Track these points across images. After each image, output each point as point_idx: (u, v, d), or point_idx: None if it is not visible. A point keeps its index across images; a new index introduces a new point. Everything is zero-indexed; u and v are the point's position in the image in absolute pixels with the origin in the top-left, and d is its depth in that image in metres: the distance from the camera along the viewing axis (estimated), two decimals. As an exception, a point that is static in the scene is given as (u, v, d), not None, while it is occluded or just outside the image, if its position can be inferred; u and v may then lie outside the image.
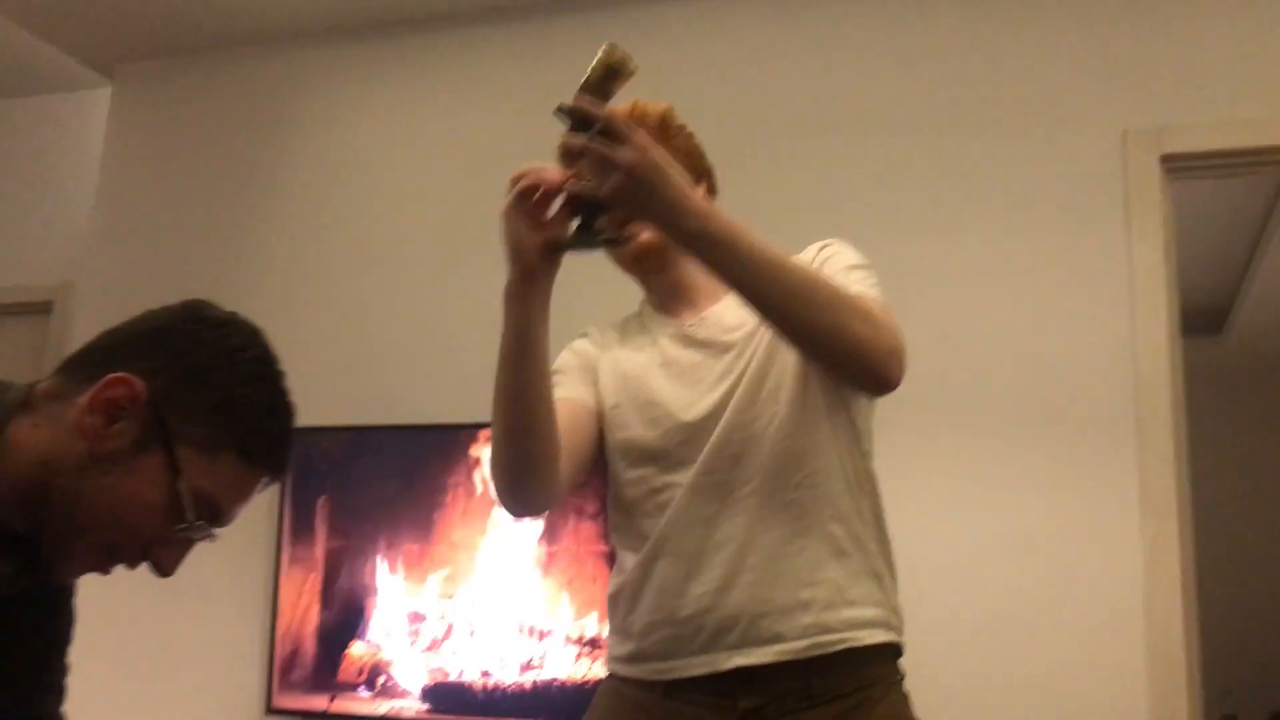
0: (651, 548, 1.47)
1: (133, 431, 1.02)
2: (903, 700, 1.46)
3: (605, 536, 2.72)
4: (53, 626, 1.21)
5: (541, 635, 2.85)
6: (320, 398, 3.23)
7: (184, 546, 1.07)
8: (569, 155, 1.27)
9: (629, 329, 1.64)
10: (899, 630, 1.48)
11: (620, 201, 1.26)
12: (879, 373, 1.35)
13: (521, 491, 1.43)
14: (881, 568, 1.48)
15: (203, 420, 1.04)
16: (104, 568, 1.05)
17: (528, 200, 1.30)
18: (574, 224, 1.32)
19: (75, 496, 1.01)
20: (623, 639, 1.51)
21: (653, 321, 1.61)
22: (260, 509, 3.19)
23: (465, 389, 3.13)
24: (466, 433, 3.00)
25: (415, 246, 3.33)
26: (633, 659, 1.48)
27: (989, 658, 2.63)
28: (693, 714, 1.41)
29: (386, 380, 3.23)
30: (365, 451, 3.10)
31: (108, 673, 3.28)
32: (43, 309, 4.00)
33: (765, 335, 1.47)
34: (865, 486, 1.50)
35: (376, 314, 3.30)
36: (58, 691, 1.23)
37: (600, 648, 2.79)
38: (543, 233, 1.32)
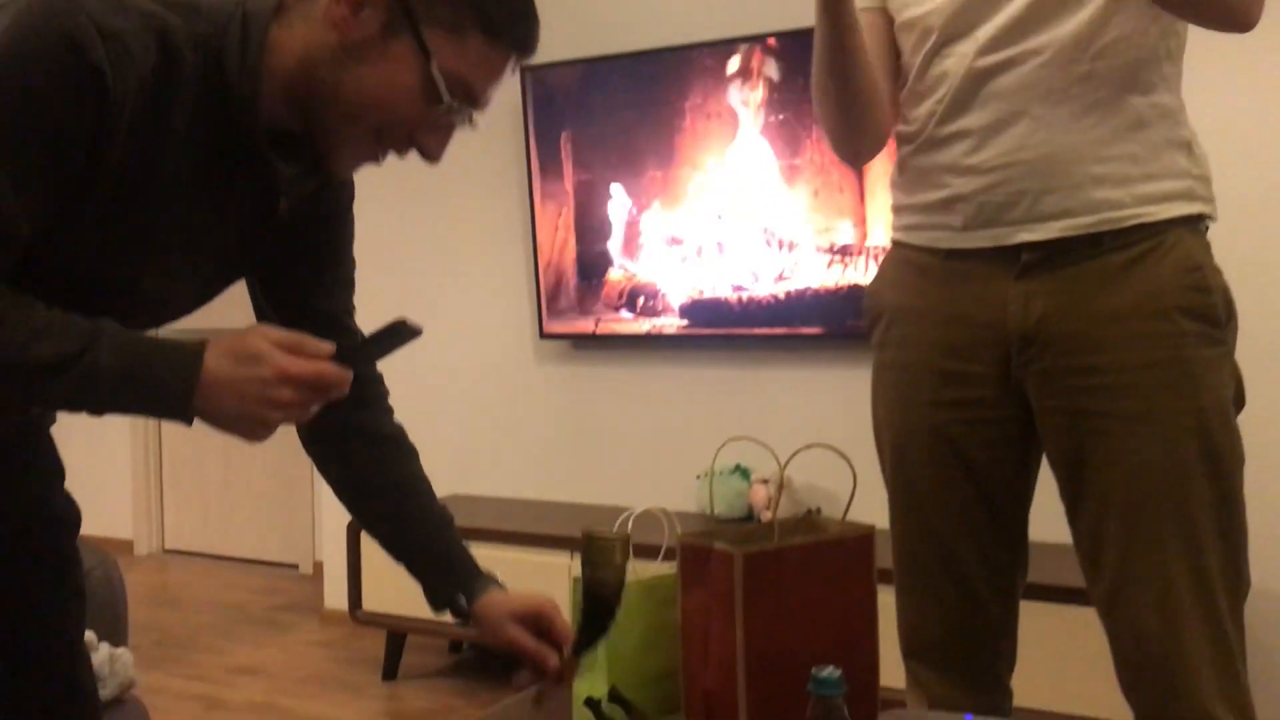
0: (936, 124, 1.44)
1: (379, 17, 1.04)
2: (1202, 248, 1.39)
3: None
4: (340, 225, 1.30)
5: (791, 247, 2.89)
6: (550, 32, 3.23)
7: (446, 131, 1.10)
8: None
9: None
10: (1206, 200, 1.40)
11: None
12: (1240, 19, 1.31)
13: (856, 146, 1.53)
14: (1188, 135, 1.40)
15: (446, 2, 1.05)
16: (375, 156, 1.10)
17: None
18: None
19: (336, 87, 1.05)
20: (906, 212, 1.52)
21: None
22: (508, 147, 3.30)
23: (686, 7, 3.06)
24: (696, 52, 2.95)
25: None
26: (916, 229, 1.49)
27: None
28: (976, 269, 1.42)
29: (613, 8, 3.19)
30: (600, 82, 3.11)
31: (391, 313, 3.58)
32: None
33: None
34: (1174, 50, 1.39)
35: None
36: (349, 285, 1.35)
37: (851, 255, 2.81)
38: None
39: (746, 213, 2.94)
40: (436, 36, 1.05)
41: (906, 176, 1.52)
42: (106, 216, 1.00)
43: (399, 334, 1.06)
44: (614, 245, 3.12)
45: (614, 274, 3.13)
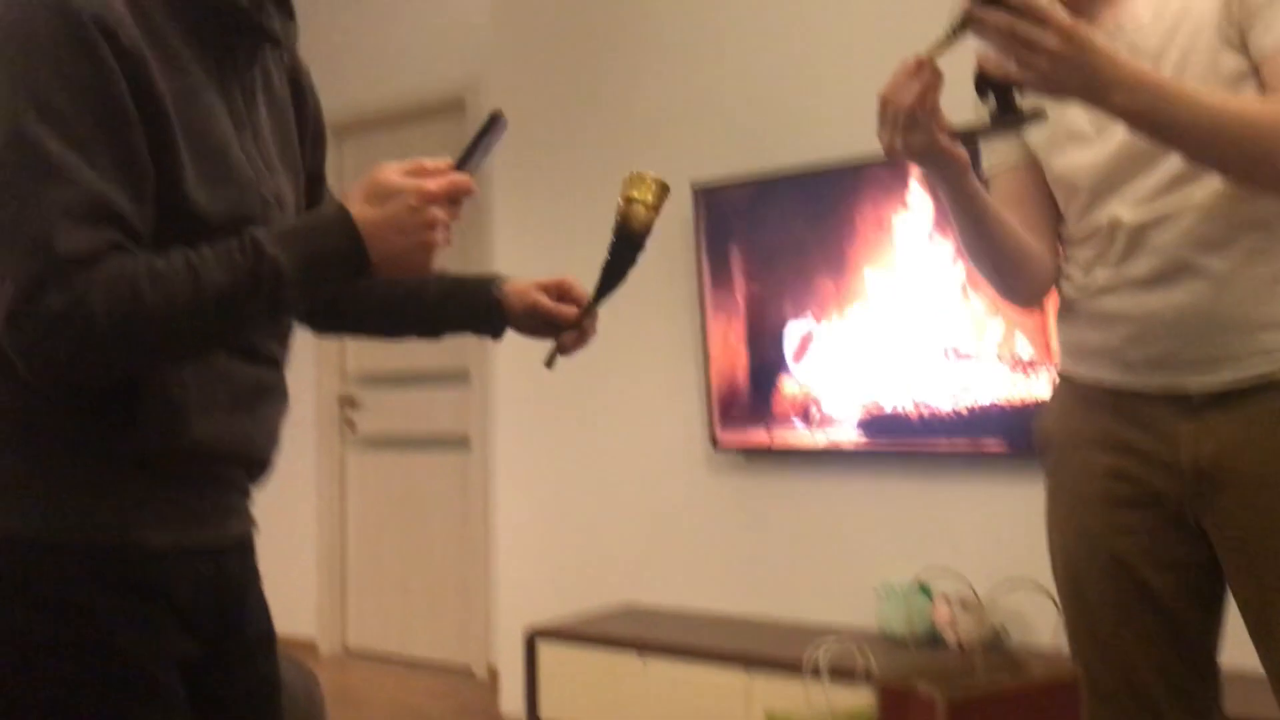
0: (1097, 272, 1.43)
1: None
2: None
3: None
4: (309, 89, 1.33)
5: (970, 359, 2.83)
6: (718, 152, 3.28)
7: None
8: (979, 28, 1.19)
9: None
10: None
11: (1044, 87, 1.21)
12: None
13: (1017, 297, 1.55)
14: None
15: None
16: None
17: (920, 99, 1.27)
18: (988, 104, 1.27)
19: None
20: (1071, 350, 1.51)
21: None
22: (679, 260, 3.34)
23: (851, 124, 3.06)
24: (867, 169, 2.95)
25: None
26: (1081, 365, 1.48)
27: None
28: (1144, 406, 1.40)
29: (781, 125, 3.21)
30: (770, 198, 3.13)
31: (573, 429, 3.64)
32: (455, 106, 4.29)
33: (1187, 31, 1.34)
34: None
35: (763, 62, 3.26)
36: (324, 143, 1.39)
37: (1034, 366, 2.73)
38: (933, 125, 1.29)
39: (923, 324, 2.89)
40: None
41: (1071, 316, 1.50)
42: (189, 161, 1.04)
43: (494, 128, 1.14)
44: (787, 357, 3.11)
45: (788, 386, 3.11)
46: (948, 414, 2.86)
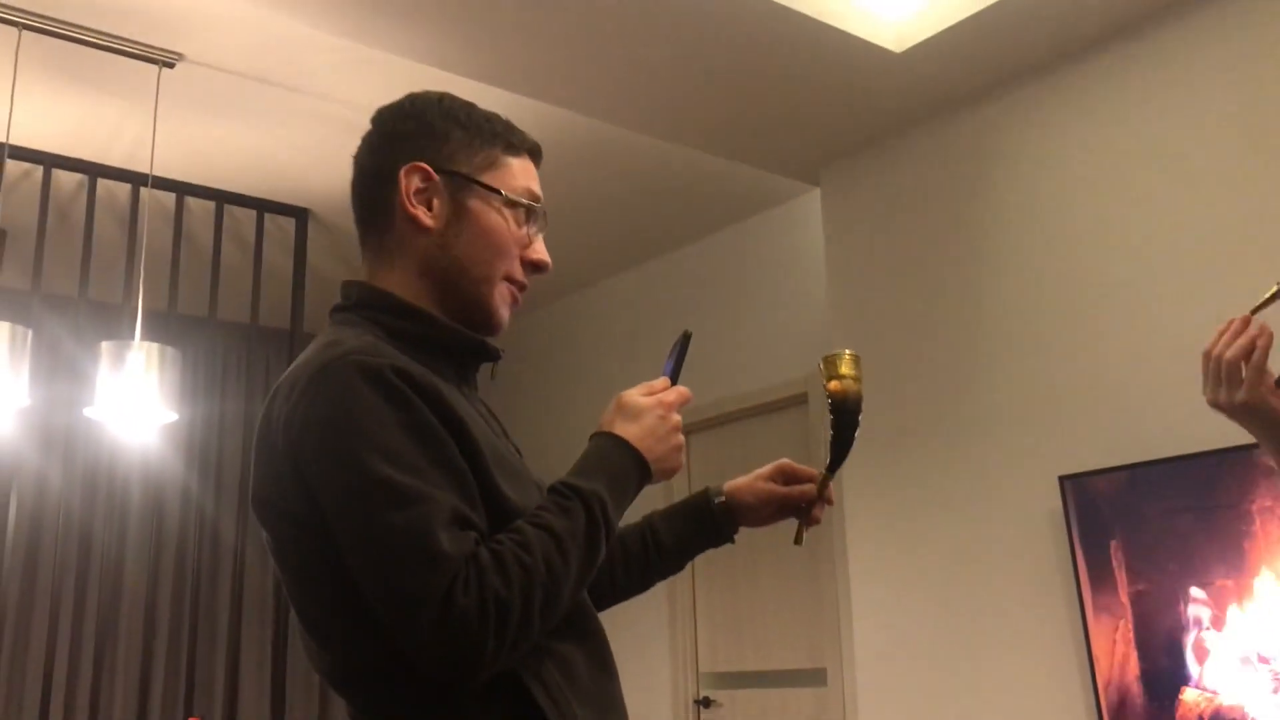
0: None
1: (445, 195, 1.27)
2: None
3: None
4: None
5: None
6: (1090, 441, 3.16)
7: (539, 241, 1.34)
8: None
9: None
10: None
11: None
12: None
13: None
14: None
15: (476, 150, 1.29)
16: (514, 296, 1.32)
17: (1244, 354, 1.34)
18: None
19: (459, 264, 1.28)
20: None
21: None
22: (1050, 560, 3.18)
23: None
24: (1256, 450, 2.74)
25: (1142, 265, 3.16)
26: None
27: None
28: None
29: (1153, 410, 3.07)
30: (1148, 487, 2.96)
31: (938, 732, 3.44)
32: (799, 400, 4.42)
33: None
34: None
35: (1123, 342, 3.17)
36: None
37: None
38: (1259, 380, 1.36)
39: (1348, 626, 2.58)
40: (489, 177, 1.29)
41: None
42: (488, 471, 1.17)
43: (685, 343, 1.35)
44: (1187, 663, 2.85)
45: (1189, 695, 2.83)
46: (1392, 729, 2.50)
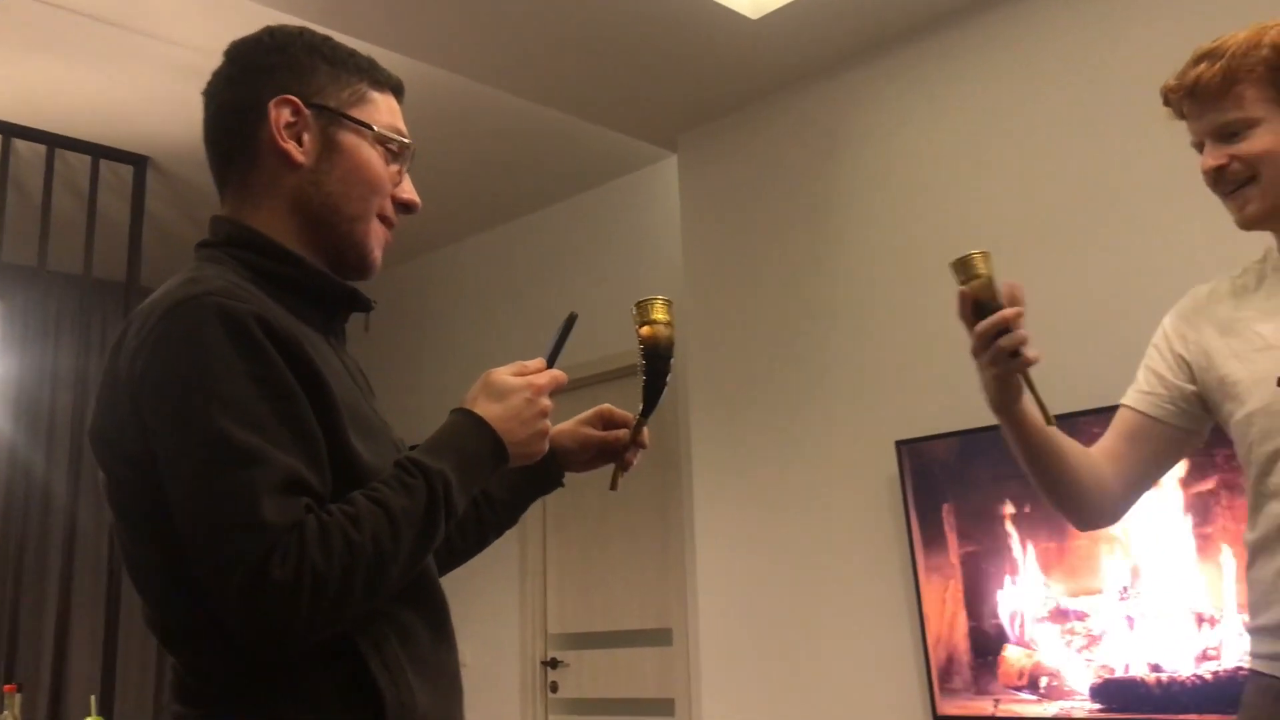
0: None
1: (315, 130, 1.24)
2: None
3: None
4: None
5: (1213, 623, 2.65)
6: (926, 407, 3.27)
7: (405, 178, 1.31)
8: None
9: (1247, 282, 1.56)
10: None
11: None
12: None
13: (1072, 517, 1.65)
14: None
15: (343, 86, 1.26)
16: (385, 234, 1.29)
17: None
18: None
19: (330, 199, 1.24)
20: (1257, 637, 1.45)
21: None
22: (888, 522, 3.29)
23: (1074, 376, 3.00)
24: (1083, 419, 2.88)
25: (977, 240, 3.26)
26: (1268, 658, 1.41)
27: None
28: None
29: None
30: (979, 453, 3.08)
31: (781, 694, 3.53)
32: (654, 366, 4.44)
33: None
34: None
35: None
36: None
37: (1286, 631, 2.54)
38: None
39: (1158, 585, 2.74)
40: (358, 112, 1.26)
41: (1254, 595, 1.44)
42: (348, 421, 1.15)
43: (569, 327, 1.33)
44: (1010, 622, 2.98)
45: (1011, 652, 2.97)
46: (1190, 679, 2.66)
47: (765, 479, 3.66)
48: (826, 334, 3.59)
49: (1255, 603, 1.46)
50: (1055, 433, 1.51)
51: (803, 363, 3.63)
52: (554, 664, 4.65)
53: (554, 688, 4.63)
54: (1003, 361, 1.42)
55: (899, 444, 3.23)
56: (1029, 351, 1.41)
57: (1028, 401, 1.48)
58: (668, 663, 4.26)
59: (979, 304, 1.43)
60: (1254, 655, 1.46)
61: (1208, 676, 2.64)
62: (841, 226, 3.61)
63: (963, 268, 1.46)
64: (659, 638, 4.31)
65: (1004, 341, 1.41)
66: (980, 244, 3.25)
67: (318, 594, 1.03)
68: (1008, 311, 1.40)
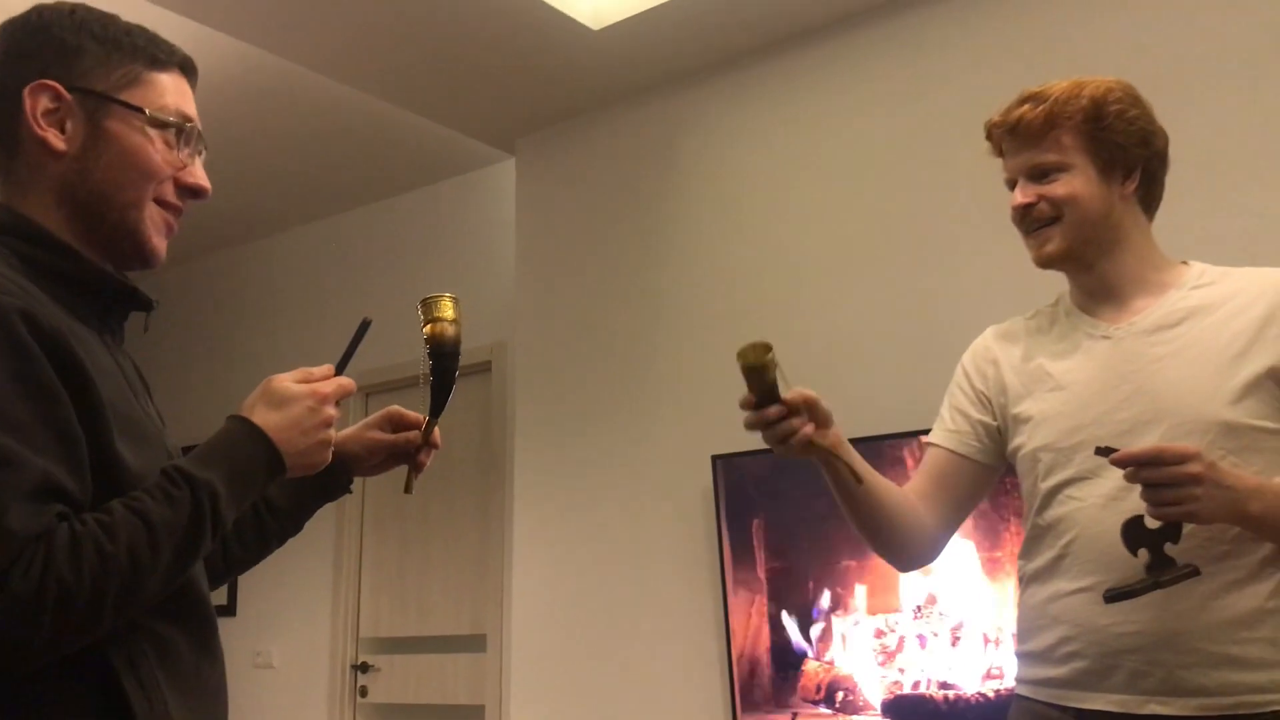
0: (1059, 572, 1.45)
1: (80, 116, 1.17)
2: None
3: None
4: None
5: (998, 643, 2.77)
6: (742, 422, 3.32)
7: (196, 162, 1.24)
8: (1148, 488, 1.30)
9: (1040, 324, 1.64)
10: None
11: (1200, 516, 1.29)
12: None
13: (892, 560, 1.68)
14: None
15: (115, 67, 1.19)
16: (169, 222, 1.23)
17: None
18: (1140, 559, 1.33)
19: (100, 189, 1.17)
20: (1026, 661, 1.51)
21: (1074, 320, 1.58)
22: (700, 535, 3.33)
23: (881, 399, 3.10)
24: (888, 444, 2.98)
25: (804, 259, 3.35)
26: (1044, 683, 1.47)
27: None
28: None
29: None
30: (792, 470, 3.14)
31: (589, 700, 3.54)
32: (483, 369, 4.40)
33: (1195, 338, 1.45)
34: None
35: (788, 331, 3.34)
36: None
37: (1063, 652, 2.67)
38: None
39: (949, 605, 2.85)
40: (130, 95, 1.19)
41: (1025, 621, 1.51)
42: (114, 423, 1.09)
43: (363, 332, 1.30)
44: (811, 636, 3.05)
45: (811, 666, 3.04)
46: (974, 697, 2.77)
47: (585, 486, 3.66)
48: (651, 345, 3.62)
49: (1024, 629, 1.53)
50: (871, 482, 1.54)
51: (627, 373, 3.65)
52: (364, 668, 4.55)
53: (364, 692, 4.54)
54: (776, 446, 1.46)
55: (714, 458, 3.28)
56: (799, 437, 1.45)
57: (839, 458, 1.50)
58: (480, 669, 4.22)
59: (761, 388, 1.43)
60: (1019, 680, 1.54)
61: (991, 695, 2.76)
62: (670, 240, 3.65)
63: (759, 370, 1.42)
64: (473, 644, 4.27)
65: (767, 436, 1.46)
66: (795, 266, 3.35)
67: (63, 607, 0.98)
68: (770, 411, 1.42)
